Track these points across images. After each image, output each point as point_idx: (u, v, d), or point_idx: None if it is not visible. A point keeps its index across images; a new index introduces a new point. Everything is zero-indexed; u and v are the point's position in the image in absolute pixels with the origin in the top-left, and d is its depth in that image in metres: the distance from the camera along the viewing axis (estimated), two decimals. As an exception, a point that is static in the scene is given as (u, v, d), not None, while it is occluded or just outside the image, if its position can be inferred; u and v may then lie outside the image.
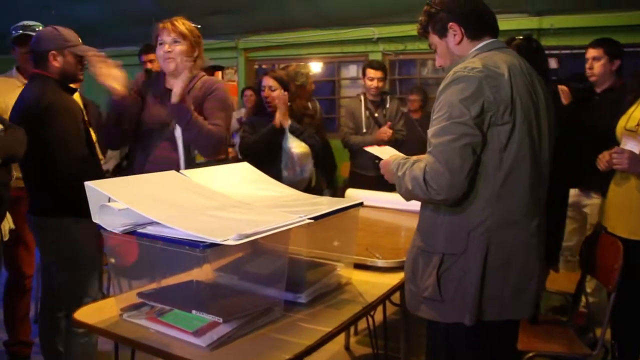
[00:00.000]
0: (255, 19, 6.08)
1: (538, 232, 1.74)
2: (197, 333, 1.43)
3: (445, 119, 1.61)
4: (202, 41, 2.61)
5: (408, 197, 1.73)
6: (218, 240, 1.32)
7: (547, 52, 2.85)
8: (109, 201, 1.52)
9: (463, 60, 1.73)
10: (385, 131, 4.14)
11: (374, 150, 2.30)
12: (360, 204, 1.91)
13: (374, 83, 4.29)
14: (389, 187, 2.42)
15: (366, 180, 4.04)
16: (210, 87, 2.53)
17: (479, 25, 1.80)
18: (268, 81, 3.44)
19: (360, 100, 4.37)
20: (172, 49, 2.46)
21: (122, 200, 1.47)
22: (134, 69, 7.00)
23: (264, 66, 7.23)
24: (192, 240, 1.34)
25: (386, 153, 2.14)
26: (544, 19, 5.58)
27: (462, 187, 1.60)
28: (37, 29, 3.19)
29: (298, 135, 3.40)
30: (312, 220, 1.59)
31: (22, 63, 3.28)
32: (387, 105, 4.39)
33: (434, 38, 1.86)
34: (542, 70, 2.05)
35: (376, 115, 4.33)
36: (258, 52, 6.67)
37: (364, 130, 4.30)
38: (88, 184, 1.54)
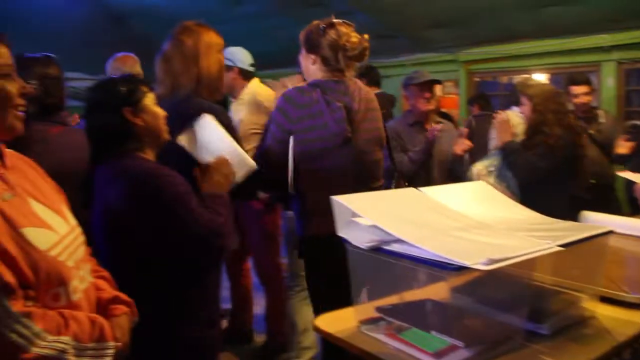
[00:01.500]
0: (476, 31, 5.96)
1: None
2: (438, 355, 1.42)
3: None
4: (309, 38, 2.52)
5: None
6: (468, 264, 1.29)
7: None
8: (354, 216, 1.58)
9: None
10: (625, 145, 3.82)
11: (628, 176, 2.11)
12: (610, 232, 1.75)
13: (580, 99, 3.99)
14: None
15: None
16: None
17: None
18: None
19: None
20: None
21: (369, 217, 1.51)
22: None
23: (485, 79, 7.07)
24: (440, 261, 1.34)
25: None
26: None
27: None
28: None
29: (505, 157, 3.27)
30: (561, 248, 1.49)
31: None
32: (601, 120, 4.05)
33: None
34: None
35: (591, 132, 4.01)
36: (479, 64, 6.53)
37: None
38: (335, 199, 1.62)
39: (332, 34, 2.43)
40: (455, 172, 3.47)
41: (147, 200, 1.79)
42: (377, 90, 4.59)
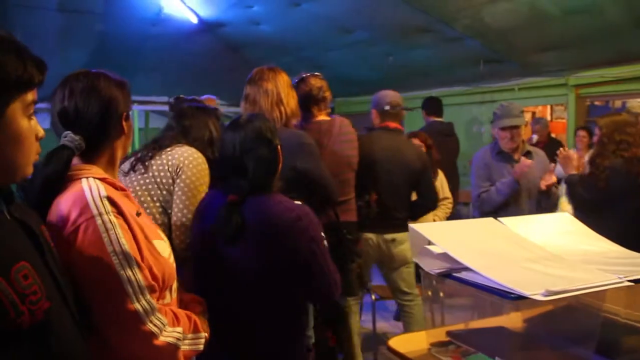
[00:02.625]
0: (588, 53, 5.73)
1: None
2: (500, 379, 1.49)
3: None
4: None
5: None
6: (526, 294, 1.37)
7: None
8: (429, 244, 1.69)
9: None
10: None
11: None
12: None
13: None
14: None
15: None
16: None
17: None
18: None
19: None
20: None
21: (441, 245, 1.62)
22: (461, 108, 7.15)
23: (596, 103, 6.78)
24: (502, 290, 1.42)
25: None
26: None
27: None
28: None
29: (566, 190, 3.45)
30: (631, 283, 1.51)
31: None
32: None
33: None
34: None
35: None
36: (590, 88, 6.27)
37: None
38: (412, 226, 1.74)
39: (302, 86, 3.03)
40: (542, 203, 3.44)
41: (299, 236, 1.88)
42: (436, 119, 5.28)
